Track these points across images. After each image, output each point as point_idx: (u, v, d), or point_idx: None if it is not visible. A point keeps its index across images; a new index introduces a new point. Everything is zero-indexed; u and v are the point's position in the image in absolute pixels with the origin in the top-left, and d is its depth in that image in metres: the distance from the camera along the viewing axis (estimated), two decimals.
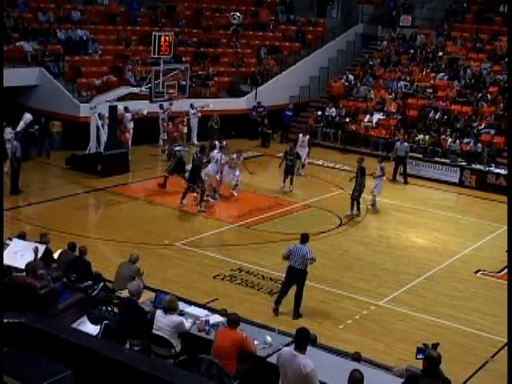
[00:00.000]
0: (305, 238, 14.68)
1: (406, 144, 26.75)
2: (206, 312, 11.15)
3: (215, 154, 22.25)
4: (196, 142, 28.80)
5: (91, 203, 22.97)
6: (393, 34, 36.35)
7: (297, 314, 14.62)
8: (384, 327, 14.61)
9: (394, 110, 31.63)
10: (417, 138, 29.24)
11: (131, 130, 26.66)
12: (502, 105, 29.89)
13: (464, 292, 16.84)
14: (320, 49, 36.02)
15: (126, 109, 26.33)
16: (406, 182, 26.43)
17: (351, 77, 34.12)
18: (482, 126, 29.34)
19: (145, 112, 26.53)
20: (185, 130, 28.31)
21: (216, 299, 14.83)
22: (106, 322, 9.70)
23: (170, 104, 27.27)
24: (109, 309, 12.04)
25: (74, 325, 9.48)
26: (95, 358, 6.88)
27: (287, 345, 9.61)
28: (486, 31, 34.55)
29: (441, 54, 33.92)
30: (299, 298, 14.66)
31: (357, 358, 10.52)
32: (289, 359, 8.67)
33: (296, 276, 14.48)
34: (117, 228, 19.59)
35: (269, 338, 10.00)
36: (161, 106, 27.41)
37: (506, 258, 18.79)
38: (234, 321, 9.87)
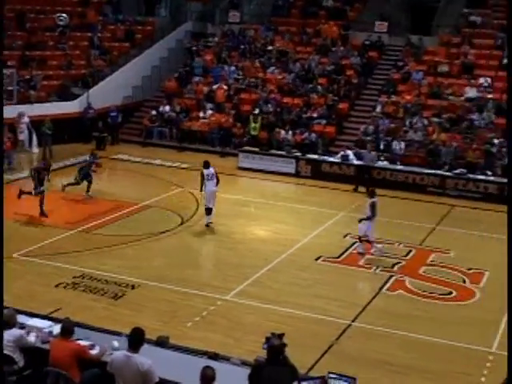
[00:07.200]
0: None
1: (373, 153, 25.89)
2: (49, 323, 10.76)
3: None
4: (37, 150, 28.18)
5: None
6: (223, 29, 36.66)
7: None
8: (232, 321, 14.66)
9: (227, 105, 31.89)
10: (252, 133, 29.68)
11: None
12: (331, 95, 30.84)
13: (307, 279, 17.19)
14: (150, 48, 35.82)
15: None
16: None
17: (184, 74, 34.15)
18: (314, 117, 30.19)
19: None
20: (21, 137, 27.36)
21: (59, 309, 14.36)
22: None
23: None
24: None
25: None
26: None
27: None
28: (312, 25, 35.57)
29: (270, 48, 34.54)
30: None
31: (213, 356, 10.47)
32: (124, 362, 8.60)
33: None
34: None
35: (116, 343, 9.78)
36: None
37: (344, 242, 19.56)
38: (66, 330, 9.58)
